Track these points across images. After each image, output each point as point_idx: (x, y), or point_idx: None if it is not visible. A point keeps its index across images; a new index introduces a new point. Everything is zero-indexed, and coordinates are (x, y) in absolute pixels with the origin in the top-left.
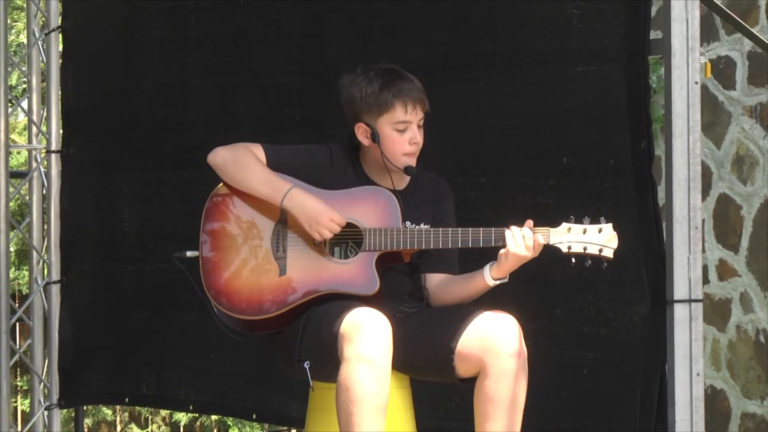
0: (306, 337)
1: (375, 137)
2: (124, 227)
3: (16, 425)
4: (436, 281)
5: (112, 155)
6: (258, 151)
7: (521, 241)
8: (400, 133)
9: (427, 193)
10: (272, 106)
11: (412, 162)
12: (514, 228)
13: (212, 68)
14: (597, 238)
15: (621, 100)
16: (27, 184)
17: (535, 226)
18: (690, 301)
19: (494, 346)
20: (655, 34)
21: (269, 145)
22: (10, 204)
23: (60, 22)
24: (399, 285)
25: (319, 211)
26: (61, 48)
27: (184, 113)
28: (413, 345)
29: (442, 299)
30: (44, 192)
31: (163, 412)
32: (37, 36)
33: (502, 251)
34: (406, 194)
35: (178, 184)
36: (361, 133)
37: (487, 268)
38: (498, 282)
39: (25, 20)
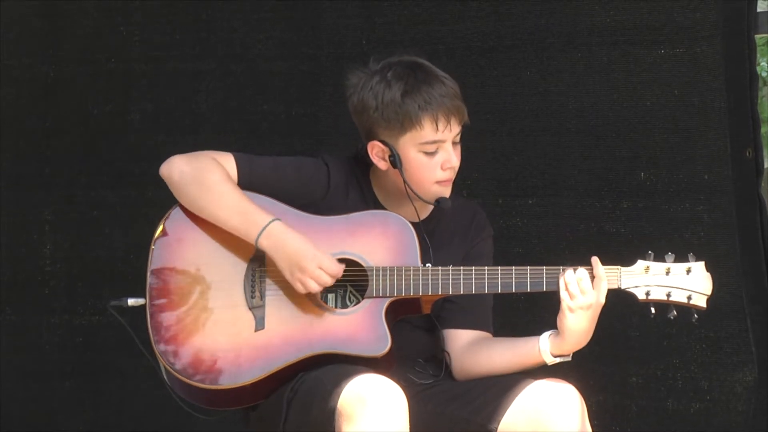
0: (292, 414)
1: (395, 161)
2: (45, 265)
3: None
4: (462, 342)
5: (29, 168)
6: (228, 163)
7: (575, 288)
8: (430, 156)
9: (456, 224)
10: (246, 102)
11: (446, 191)
12: (568, 273)
13: (165, 50)
14: (685, 281)
15: (718, 94)
16: None
17: (601, 263)
18: None
19: (548, 427)
20: (763, 6)
21: (243, 156)
22: None
23: None
24: (415, 346)
25: (305, 254)
26: None
27: (126, 111)
28: (439, 425)
29: (472, 369)
30: None
31: None
32: None
33: (560, 321)
34: (429, 225)
35: (119, 206)
36: (376, 153)
37: (546, 338)
38: (559, 360)
39: None
